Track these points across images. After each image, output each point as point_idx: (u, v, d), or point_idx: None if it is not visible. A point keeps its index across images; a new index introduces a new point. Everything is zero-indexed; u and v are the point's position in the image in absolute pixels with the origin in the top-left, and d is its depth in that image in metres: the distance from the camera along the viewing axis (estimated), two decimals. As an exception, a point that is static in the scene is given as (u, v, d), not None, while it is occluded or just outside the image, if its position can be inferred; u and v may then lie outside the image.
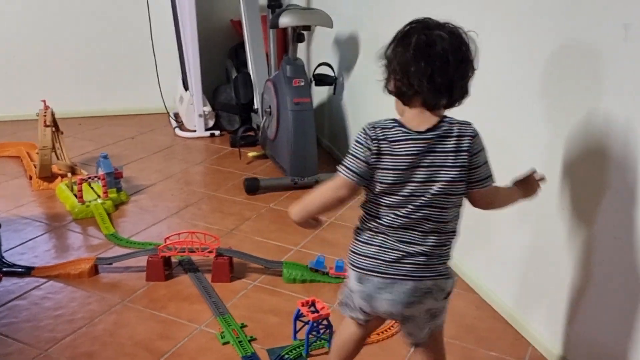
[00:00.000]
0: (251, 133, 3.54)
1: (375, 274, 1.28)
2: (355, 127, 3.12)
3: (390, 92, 1.28)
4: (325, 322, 1.77)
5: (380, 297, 1.29)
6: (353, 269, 1.32)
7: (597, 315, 1.56)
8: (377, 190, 1.25)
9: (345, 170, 1.26)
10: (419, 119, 1.25)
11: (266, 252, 2.32)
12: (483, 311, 1.99)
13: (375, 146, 1.23)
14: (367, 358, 1.76)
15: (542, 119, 1.69)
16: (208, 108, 3.76)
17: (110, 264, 2.19)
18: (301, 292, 2.07)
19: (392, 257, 1.26)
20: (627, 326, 1.46)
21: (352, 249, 1.33)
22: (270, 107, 3.13)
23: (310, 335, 1.76)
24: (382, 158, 1.23)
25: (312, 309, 1.79)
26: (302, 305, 1.79)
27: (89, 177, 2.73)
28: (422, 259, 1.26)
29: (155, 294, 2.07)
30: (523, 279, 1.85)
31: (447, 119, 1.26)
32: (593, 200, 1.52)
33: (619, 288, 1.48)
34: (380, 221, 1.27)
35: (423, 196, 1.23)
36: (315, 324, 1.76)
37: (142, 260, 2.16)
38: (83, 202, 2.63)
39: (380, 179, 1.24)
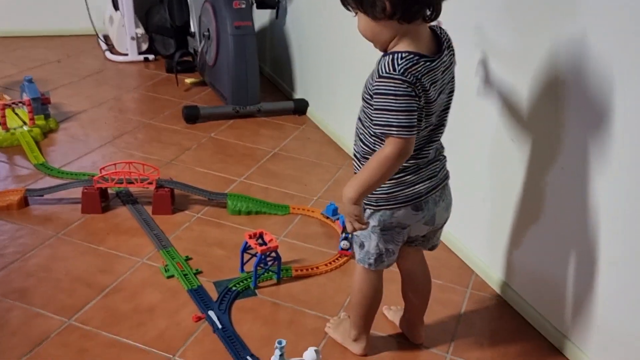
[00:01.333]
0: (188, 58, 3.37)
1: (433, 191, 1.32)
2: (299, 54, 3.01)
3: (387, 16, 1.12)
4: (273, 254, 1.74)
5: (439, 208, 1.35)
6: (408, 203, 1.30)
7: (536, 243, 1.61)
8: (422, 126, 1.22)
9: (404, 131, 1.15)
10: (424, 40, 1.19)
11: (209, 184, 2.25)
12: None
13: (419, 88, 1.16)
14: (314, 287, 1.77)
15: (504, 49, 1.65)
16: (141, 30, 3.53)
17: (42, 195, 2.06)
18: (247, 224, 2.03)
19: (438, 168, 1.33)
20: (562, 252, 1.51)
21: (399, 190, 1.29)
22: (209, 31, 2.96)
23: (258, 268, 1.73)
24: (427, 94, 1.18)
25: (260, 241, 1.75)
26: (250, 237, 1.75)
27: (13, 103, 2.52)
28: (445, 160, 1.37)
29: (92, 227, 1.97)
30: (466, 209, 1.87)
31: (435, 29, 1.23)
32: (545, 130, 1.53)
33: (557, 217, 1.52)
34: (420, 150, 1.27)
35: (447, 109, 1.29)
36: (263, 257, 1.72)
37: (76, 192, 2.05)
38: (7, 130, 2.44)
39: (426, 113, 1.21)
